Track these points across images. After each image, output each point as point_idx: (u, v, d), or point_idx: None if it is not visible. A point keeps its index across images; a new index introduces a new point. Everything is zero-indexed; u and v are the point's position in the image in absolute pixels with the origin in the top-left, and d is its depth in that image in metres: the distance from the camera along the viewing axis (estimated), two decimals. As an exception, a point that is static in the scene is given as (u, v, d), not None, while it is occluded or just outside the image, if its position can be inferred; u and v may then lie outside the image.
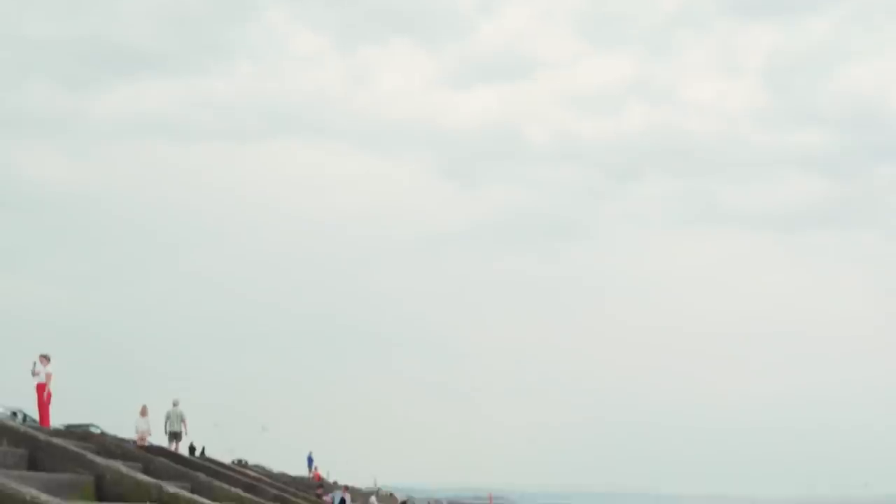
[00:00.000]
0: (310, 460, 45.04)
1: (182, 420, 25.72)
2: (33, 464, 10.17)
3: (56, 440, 11.35)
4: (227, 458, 30.77)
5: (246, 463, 35.39)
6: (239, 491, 15.21)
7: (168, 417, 25.55)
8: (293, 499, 19.48)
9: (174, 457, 17.96)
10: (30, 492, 6.29)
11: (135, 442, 21.01)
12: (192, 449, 29.11)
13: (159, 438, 25.20)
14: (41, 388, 20.64)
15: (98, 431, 19.47)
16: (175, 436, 25.53)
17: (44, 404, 20.58)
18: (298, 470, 43.26)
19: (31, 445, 10.47)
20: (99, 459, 10.83)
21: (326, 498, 26.47)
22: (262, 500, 15.41)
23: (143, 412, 25.48)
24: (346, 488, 31.09)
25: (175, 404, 26.04)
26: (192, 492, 12.23)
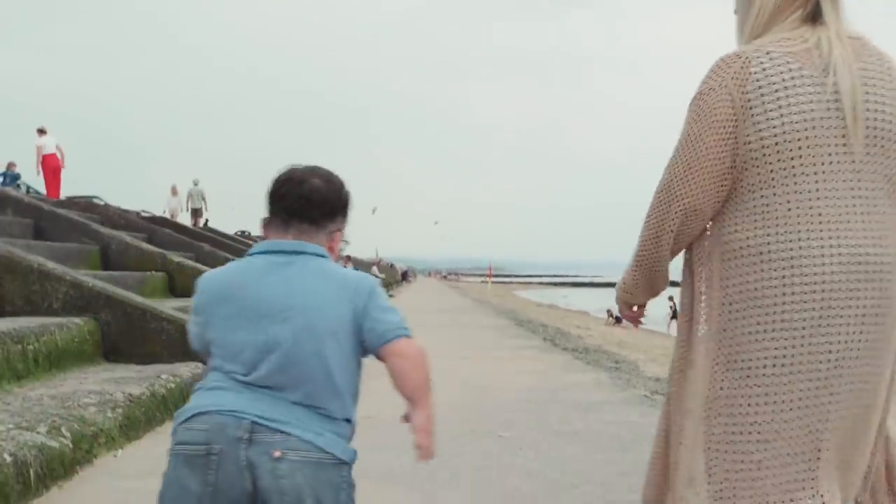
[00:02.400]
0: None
1: (203, 198, 28.28)
2: (38, 233, 10.32)
3: (60, 210, 11.47)
4: (230, 230, 31.41)
5: (249, 234, 36.10)
6: (243, 261, 15.62)
7: (190, 196, 28.00)
8: (296, 268, 20.03)
9: (178, 227, 18.29)
10: (37, 260, 6.40)
11: (139, 213, 21.32)
12: (193, 219, 29.63)
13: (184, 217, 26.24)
14: (52, 161, 20.88)
15: (101, 203, 19.67)
16: (196, 212, 27.98)
17: (55, 177, 20.95)
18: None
19: (36, 215, 10.59)
20: (104, 230, 10.99)
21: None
22: (265, 270, 15.85)
23: (174, 192, 28.54)
24: (349, 258, 31.97)
25: (195, 183, 28.48)
26: (196, 261, 12.54)
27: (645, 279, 2.06)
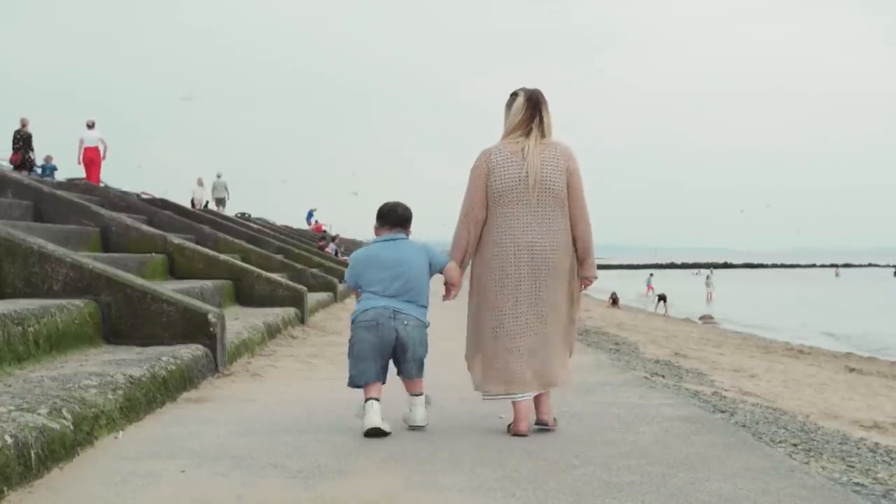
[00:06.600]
0: (309, 214, 45.89)
1: (226, 189, 32.14)
2: (38, 215, 10.31)
3: (60, 192, 11.45)
4: (230, 212, 31.47)
5: (249, 216, 36.04)
6: (243, 242, 15.62)
7: (214, 187, 32.04)
8: (296, 250, 20.05)
9: (178, 209, 18.26)
10: (37, 242, 6.39)
11: (139, 195, 21.37)
12: (192, 204, 29.67)
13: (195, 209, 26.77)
14: (90, 153, 21.58)
15: (101, 185, 19.63)
16: (220, 201, 31.82)
17: (91, 168, 21.67)
18: (300, 224, 44.23)
19: (36, 197, 10.57)
20: (104, 211, 10.98)
21: (327, 249, 27.32)
22: (265, 251, 15.87)
23: (200, 183, 32.12)
24: (335, 238, 32.60)
25: (219, 176, 32.38)
26: (197, 243, 12.53)
27: (461, 259, 4.43)
